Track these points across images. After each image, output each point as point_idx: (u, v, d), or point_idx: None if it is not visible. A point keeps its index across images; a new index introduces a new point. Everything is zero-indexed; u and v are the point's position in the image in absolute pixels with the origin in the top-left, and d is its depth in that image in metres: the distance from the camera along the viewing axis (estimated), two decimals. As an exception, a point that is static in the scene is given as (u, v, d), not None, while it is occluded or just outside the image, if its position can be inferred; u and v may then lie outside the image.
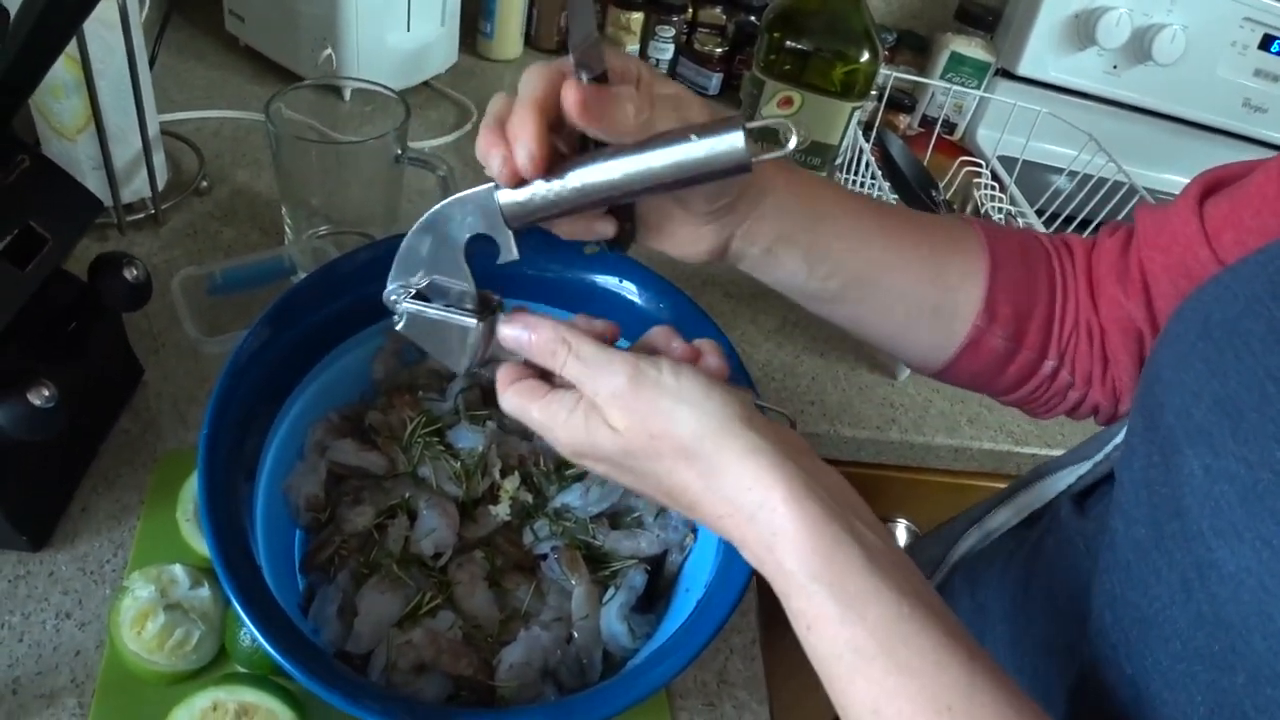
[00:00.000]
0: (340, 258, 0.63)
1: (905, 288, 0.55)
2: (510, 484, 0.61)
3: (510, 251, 0.46)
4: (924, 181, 1.08)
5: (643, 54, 1.29)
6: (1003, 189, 1.12)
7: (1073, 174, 1.10)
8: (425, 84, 1.17)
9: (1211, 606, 0.34)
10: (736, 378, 0.51)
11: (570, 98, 0.40)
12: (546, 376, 0.46)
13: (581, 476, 0.63)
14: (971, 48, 1.30)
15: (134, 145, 0.82)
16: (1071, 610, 0.47)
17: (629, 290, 0.64)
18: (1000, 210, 1.09)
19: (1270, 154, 0.52)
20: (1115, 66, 1.28)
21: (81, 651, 0.57)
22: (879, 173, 1.03)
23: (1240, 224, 0.49)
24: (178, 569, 0.58)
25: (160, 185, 0.87)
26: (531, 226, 0.45)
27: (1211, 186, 0.52)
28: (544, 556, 0.60)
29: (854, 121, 1.03)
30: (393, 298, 0.47)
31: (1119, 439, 0.52)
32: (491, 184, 0.44)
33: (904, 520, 1.00)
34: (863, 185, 1.08)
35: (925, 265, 0.55)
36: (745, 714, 0.62)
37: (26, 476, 0.60)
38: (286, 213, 0.84)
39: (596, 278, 0.65)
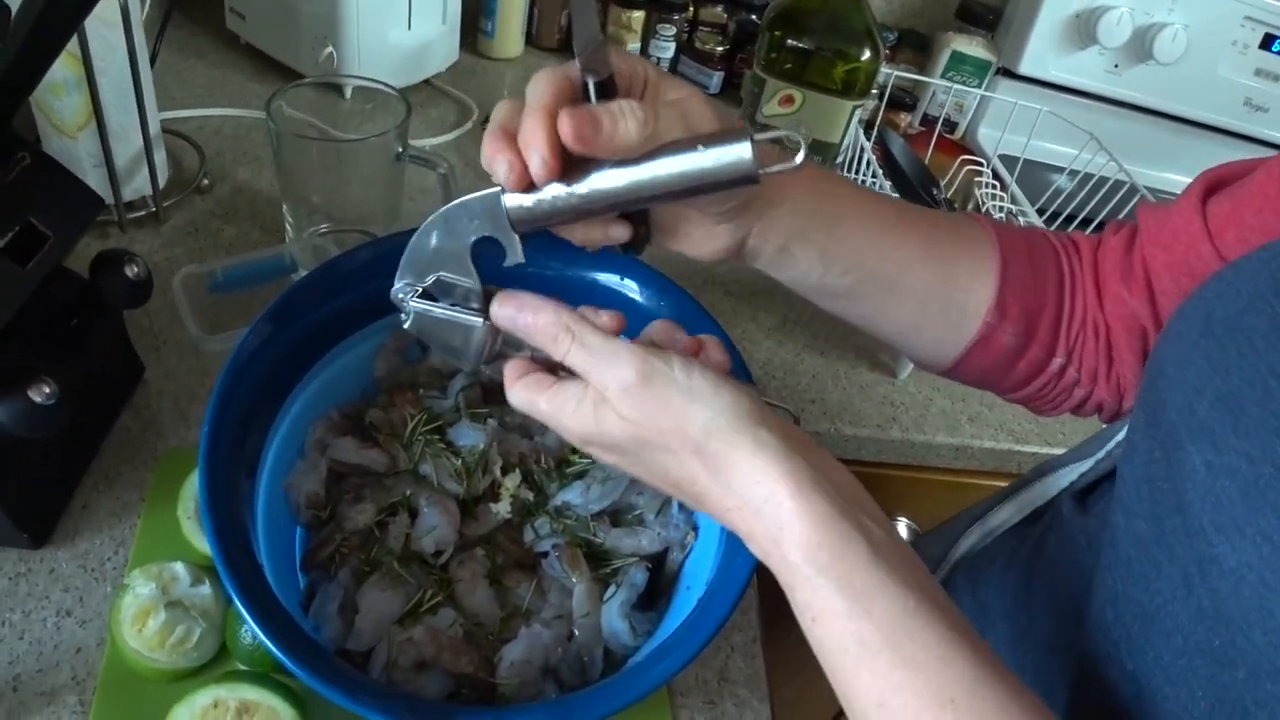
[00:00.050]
0: (341, 256, 0.63)
1: (918, 285, 0.55)
2: (511, 482, 0.61)
3: (516, 255, 0.46)
4: (925, 180, 1.08)
5: (644, 52, 1.29)
6: (1004, 188, 1.12)
7: (1074, 173, 1.10)
8: (426, 82, 1.17)
9: (1212, 601, 0.34)
10: (737, 374, 0.51)
11: (566, 128, 0.40)
12: (553, 370, 0.46)
13: (582, 474, 0.63)
14: (972, 47, 1.30)
15: (135, 143, 0.82)
16: (1073, 608, 0.48)
17: (630, 288, 0.64)
18: (1001, 209, 1.09)
19: (1272, 153, 0.52)
20: (1116, 65, 1.28)
21: (82, 649, 0.57)
22: (880, 171, 1.03)
23: (1242, 222, 0.49)
24: (179, 566, 0.58)
25: (161, 183, 0.87)
26: (538, 230, 0.45)
27: (1214, 185, 0.52)
28: (545, 554, 0.60)
29: (855, 120, 1.03)
30: (400, 295, 0.47)
31: (1121, 436, 0.52)
32: (498, 188, 0.44)
33: (905, 519, 1.00)
34: (863, 184, 1.08)
35: (938, 263, 0.55)
36: (746, 712, 0.62)
37: (27, 474, 0.60)
38: (287, 210, 0.84)
39: (598, 275, 0.65)
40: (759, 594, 0.69)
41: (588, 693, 0.52)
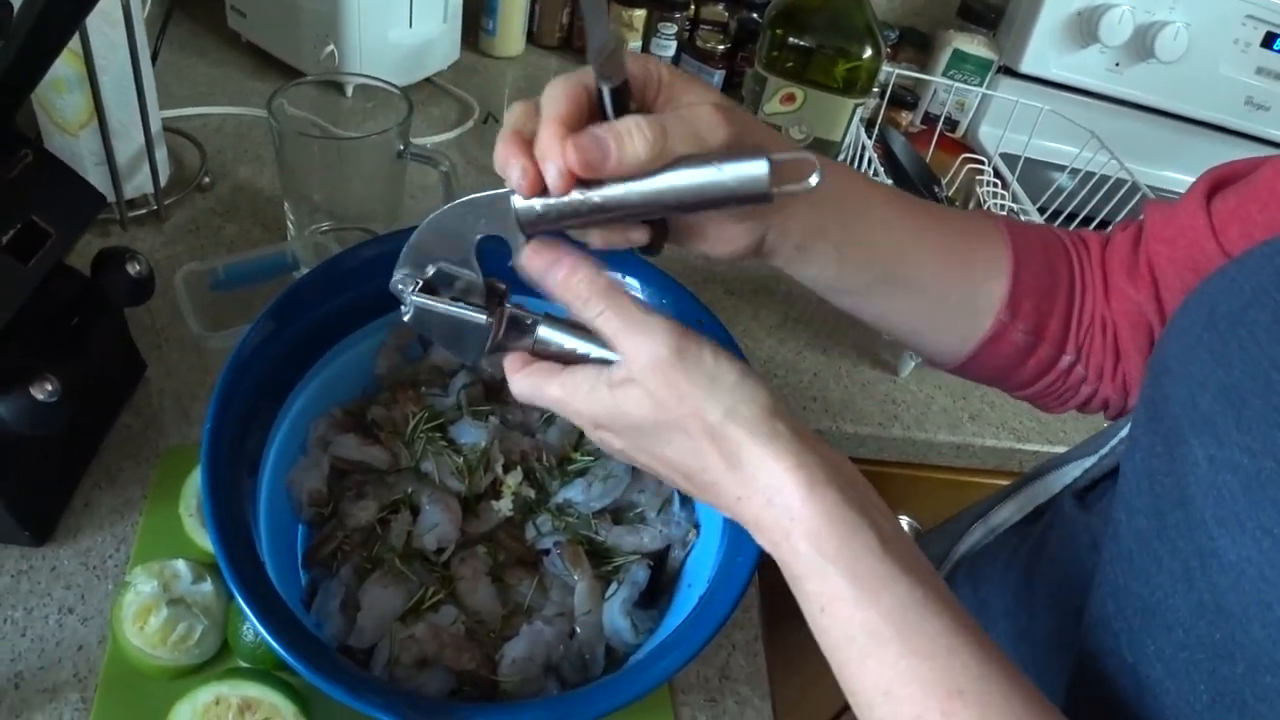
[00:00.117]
0: (342, 253, 0.63)
1: (933, 282, 0.55)
2: (513, 479, 0.61)
3: (523, 255, 0.45)
4: (926, 179, 1.08)
5: (645, 51, 1.29)
6: (1005, 186, 1.12)
7: (1075, 171, 1.10)
8: (427, 80, 1.17)
9: (1213, 595, 0.34)
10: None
11: (573, 158, 0.40)
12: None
13: (584, 472, 0.63)
14: (974, 45, 1.30)
15: (136, 141, 0.82)
16: (1074, 606, 0.48)
17: (632, 286, 0.64)
18: (1002, 208, 1.09)
19: (1274, 151, 0.52)
20: (1118, 64, 1.28)
21: (84, 646, 0.57)
22: (881, 170, 1.03)
23: (1247, 218, 0.49)
24: (180, 564, 0.58)
25: (163, 181, 0.87)
26: (546, 233, 0.45)
27: (1219, 182, 0.52)
28: (546, 552, 0.60)
29: (856, 118, 1.03)
30: (399, 286, 0.47)
31: (1123, 433, 0.52)
32: (508, 190, 0.44)
33: (906, 517, 1.00)
34: (865, 182, 1.08)
35: (953, 260, 0.55)
36: (747, 710, 0.62)
37: (29, 471, 0.60)
38: (289, 208, 0.84)
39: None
40: (760, 592, 0.69)
41: (589, 690, 0.52)
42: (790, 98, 1.00)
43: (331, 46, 1.03)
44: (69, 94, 0.76)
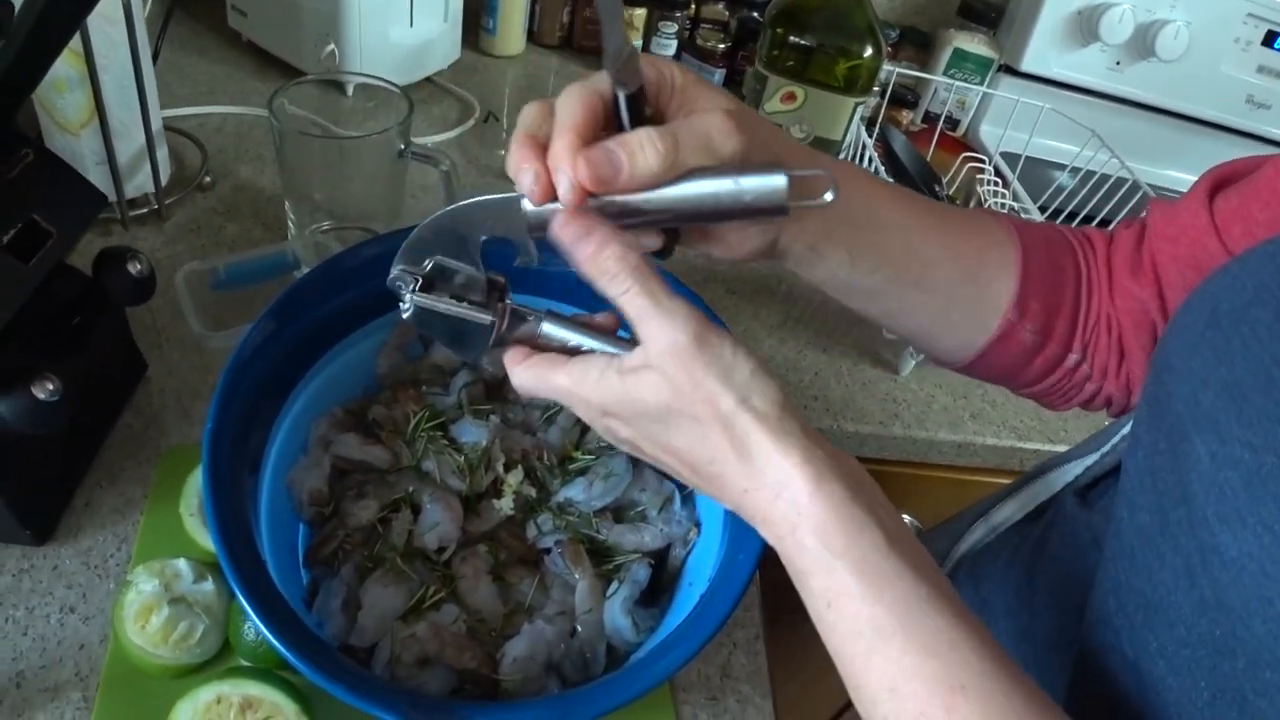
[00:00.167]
0: (343, 253, 0.63)
1: (943, 283, 0.55)
2: (514, 478, 0.62)
3: (531, 257, 0.45)
4: (927, 178, 1.08)
5: (645, 50, 1.29)
6: (1006, 185, 1.12)
7: (1076, 170, 1.10)
8: (428, 80, 1.17)
9: (1214, 591, 0.34)
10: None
11: (584, 174, 0.40)
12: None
13: (585, 471, 0.63)
14: (974, 44, 1.30)
15: (137, 140, 0.82)
16: (1075, 604, 0.48)
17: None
18: (1003, 207, 1.09)
19: (1275, 150, 0.52)
20: (1118, 63, 1.28)
21: (86, 645, 0.57)
22: (882, 169, 1.03)
23: (1249, 216, 0.49)
24: (182, 563, 0.58)
25: (164, 180, 0.87)
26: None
27: (1221, 181, 0.52)
28: (547, 550, 0.60)
29: (857, 117, 1.03)
30: (398, 283, 0.46)
31: (1125, 431, 0.52)
32: (518, 194, 0.43)
33: (907, 516, 1.00)
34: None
35: (963, 260, 0.55)
36: (749, 708, 0.62)
37: (30, 471, 0.60)
38: (289, 208, 0.84)
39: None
40: (762, 590, 0.70)
41: (590, 689, 0.52)
42: (791, 96, 1.00)
43: (332, 46, 1.03)
44: (70, 93, 0.76)
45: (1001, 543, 0.63)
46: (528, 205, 0.43)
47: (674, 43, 1.27)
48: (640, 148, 0.40)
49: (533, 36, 1.32)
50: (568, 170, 0.40)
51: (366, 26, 1.03)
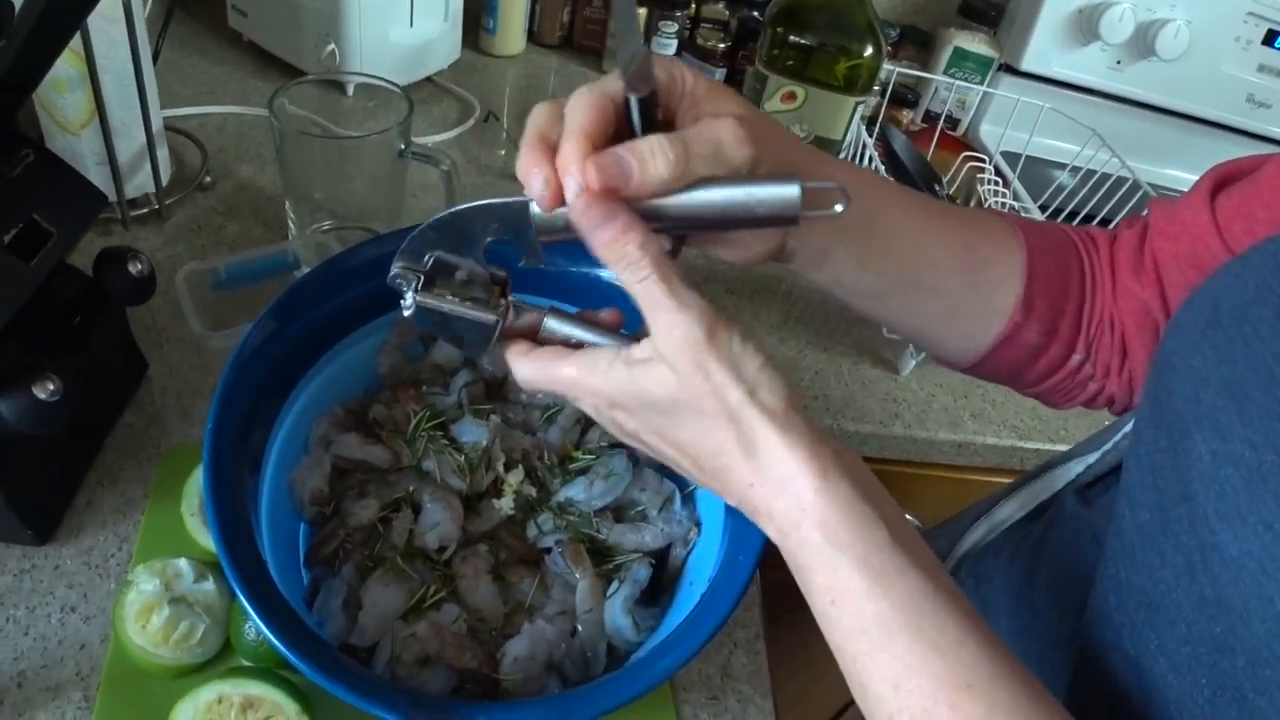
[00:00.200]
0: (344, 252, 0.63)
1: (950, 284, 0.55)
2: (514, 478, 0.62)
3: (536, 259, 0.45)
4: (927, 177, 1.08)
5: (645, 49, 1.29)
6: (1006, 185, 1.12)
7: (1076, 169, 1.10)
8: (428, 79, 1.17)
9: (1214, 589, 0.34)
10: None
11: (593, 178, 0.40)
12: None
13: (585, 470, 0.63)
14: (975, 43, 1.30)
15: (138, 140, 0.82)
16: (1076, 602, 0.48)
17: (633, 284, 0.64)
18: (1004, 206, 1.09)
19: (1277, 149, 0.52)
20: (1119, 62, 1.28)
21: (86, 645, 0.57)
22: (882, 168, 1.03)
23: (1251, 215, 0.49)
24: (182, 563, 0.58)
25: (164, 180, 0.87)
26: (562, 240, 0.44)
27: (1223, 180, 0.52)
28: (548, 550, 0.60)
29: (857, 116, 1.03)
30: (399, 281, 0.45)
31: (1126, 429, 0.52)
32: (526, 198, 0.43)
33: (908, 515, 1.00)
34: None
35: (970, 261, 0.55)
36: (749, 708, 0.62)
37: (31, 470, 0.60)
38: (290, 207, 0.84)
39: (601, 272, 0.65)
40: (762, 590, 0.70)
41: (590, 688, 0.52)
42: (791, 96, 1.00)
43: (332, 46, 1.03)
44: (70, 93, 0.76)
45: (1002, 541, 0.63)
46: (536, 209, 0.43)
47: (674, 42, 1.27)
48: (651, 155, 0.40)
49: (533, 36, 1.32)
50: (576, 175, 0.40)
51: (367, 26, 1.03)
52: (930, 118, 1.32)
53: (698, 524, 0.62)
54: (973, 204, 1.12)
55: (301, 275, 0.66)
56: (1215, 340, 0.36)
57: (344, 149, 0.80)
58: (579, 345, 0.45)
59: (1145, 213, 0.57)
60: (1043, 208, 1.12)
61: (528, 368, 0.45)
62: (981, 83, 1.30)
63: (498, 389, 0.68)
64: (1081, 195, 1.08)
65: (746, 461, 0.40)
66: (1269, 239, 0.38)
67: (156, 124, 0.83)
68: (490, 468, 0.62)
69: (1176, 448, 0.36)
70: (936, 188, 1.06)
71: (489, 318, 0.45)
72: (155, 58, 0.92)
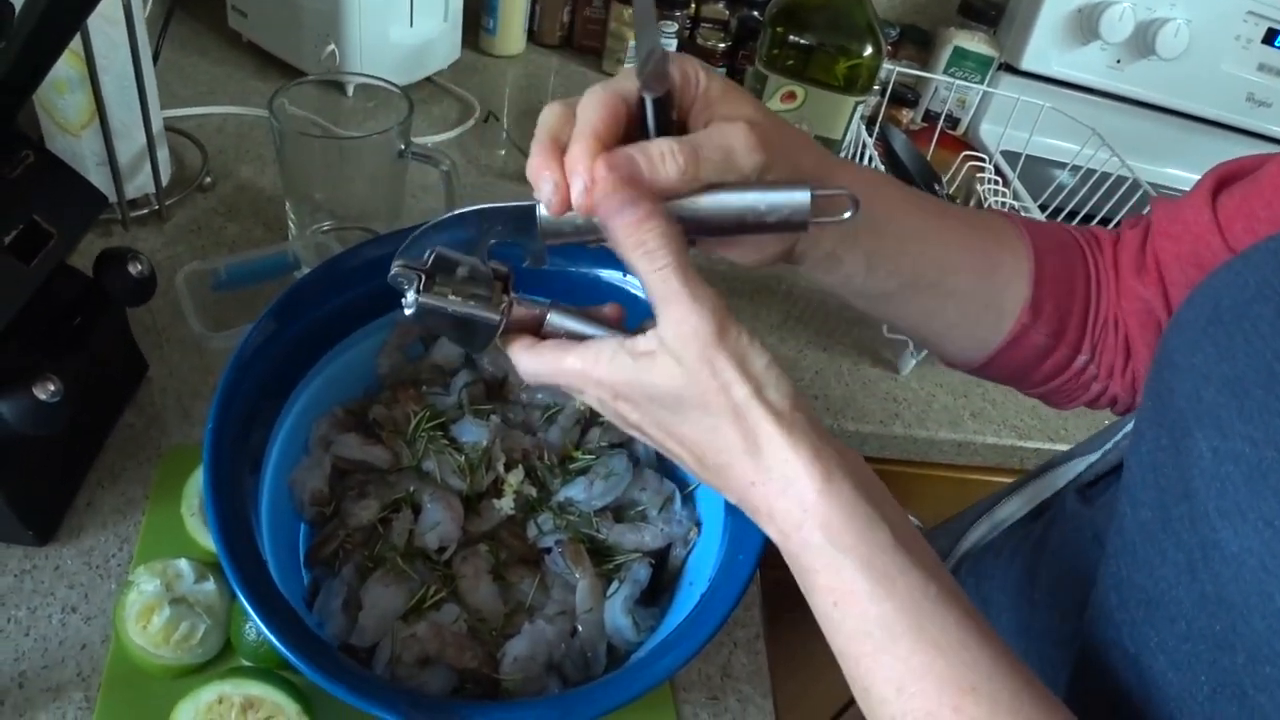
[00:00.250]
0: (344, 253, 0.63)
1: (959, 286, 0.54)
2: (514, 478, 0.62)
3: (542, 259, 0.45)
4: (927, 177, 1.08)
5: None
6: (1006, 184, 1.12)
7: (1076, 169, 1.10)
8: (428, 79, 1.17)
9: (1214, 586, 0.34)
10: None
11: (602, 176, 0.39)
12: None
13: (585, 470, 0.63)
14: (975, 42, 1.30)
15: (138, 141, 0.82)
16: (1076, 601, 0.48)
17: (632, 284, 0.64)
18: (1004, 205, 1.09)
19: (1277, 148, 0.52)
20: (1119, 61, 1.28)
21: (87, 645, 0.57)
22: (882, 168, 1.03)
23: (1252, 214, 0.49)
24: (183, 563, 0.58)
25: (164, 181, 0.87)
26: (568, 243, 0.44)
27: (1225, 179, 0.52)
28: (548, 550, 0.60)
29: (857, 116, 1.03)
30: (400, 280, 0.45)
31: (1127, 429, 0.52)
32: (534, 202, 0.43)
33: (908, 515, 1.00)
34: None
35: (978, 263, 0.54)
36: (749, 708, 0.62)
37: (31, 471, 0.60)
38: (290, 208, 0.84)
39: (600, 272, 0.65)
40: (762, 590, 0.70)
41: (591, 688, 0.52)
42: (791, 96, 1.00)
43: (332, 46, 1.03)
44: (70, 94, 0.76)
45: (1003, 540, 0.63)
46: (543, 212, 0.42)
47: (674, 42, 1.27)
48: (661, 159, 0.40)
49: (533, 36, 1.32)
50: (584, 176, 0.40)
51: (366, 26, 1.03)
52: (930, 117, 1.32)
53: (698, 524, 0.62)
54: (973, 203, 1.12)
55: (301, 276, 0.66)
56: (1216, 338, 0.36)
57: (344, 149, 0.80)
58: (582, 339, 0.45)
59: (1147, 212, 0.57)
60: (1043, 207, 1.12)
61: (532, 362, 0.44)
62: (981, 82, 1.30)
63: (498, 389, 0.68)
64: (1081, 195, 1.08)
65: (749, 460, 0.40)
66: (1270, 237, 0.38)
67: (156, 125, 0.83)
68: (490, 468, 0.62)
69: (1178, 445, 0.36)
70: (936, 187, 1.06)
71: (492, 316, 0.45)
72: (155, 58, 0.92)
